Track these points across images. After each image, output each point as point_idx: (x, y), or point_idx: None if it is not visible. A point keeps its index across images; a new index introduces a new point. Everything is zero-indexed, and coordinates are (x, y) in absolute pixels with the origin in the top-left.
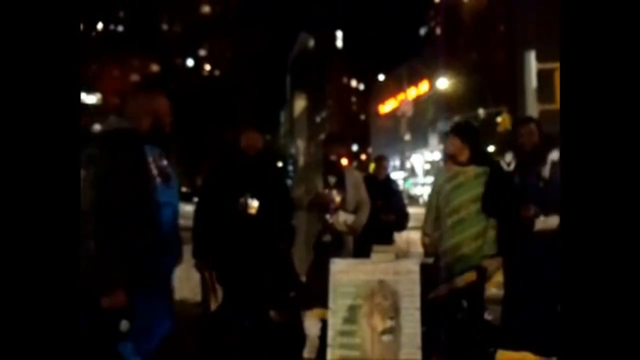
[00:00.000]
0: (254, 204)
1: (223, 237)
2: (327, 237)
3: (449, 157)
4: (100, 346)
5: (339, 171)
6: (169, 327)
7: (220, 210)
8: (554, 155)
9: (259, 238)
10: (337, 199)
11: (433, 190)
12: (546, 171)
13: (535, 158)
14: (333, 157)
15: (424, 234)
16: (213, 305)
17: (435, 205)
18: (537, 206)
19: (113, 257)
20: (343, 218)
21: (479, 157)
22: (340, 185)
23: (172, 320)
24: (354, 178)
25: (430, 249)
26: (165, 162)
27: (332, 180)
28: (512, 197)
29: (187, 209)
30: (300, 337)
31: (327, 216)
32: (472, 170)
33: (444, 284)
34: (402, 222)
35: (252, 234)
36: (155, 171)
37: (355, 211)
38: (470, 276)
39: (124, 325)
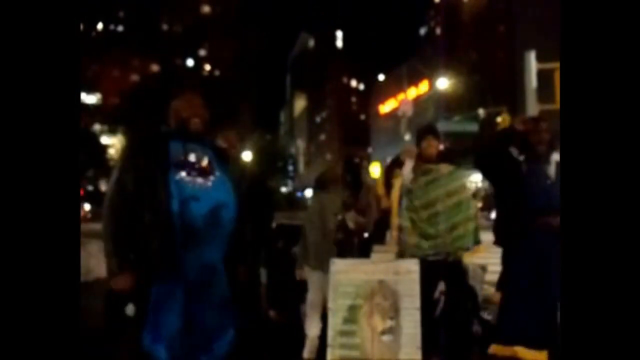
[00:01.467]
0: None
1: None
2: (339, 235)
3: (420, 157)
4: (109, 330)
5: (356, 172)
6: (229, 333)
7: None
8: (557, 156)
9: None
10: (350, 198)
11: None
12: (552, 171)
13: (543, 157)
14: (356, 159)
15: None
16: None
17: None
18: (544, 204)
19: (121, 241)
20: (355, 217)
21: (445, 156)
22: (356, 187)
23: (230, 325)
24: (367, 179)
25: (402, 238)
26: (196, 157)
27: (349, 179)
28: (519, 186)
29: None
30: (299, 337)
31: (340, 215)
32: (444, 167)
33: (440, 282)
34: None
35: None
36: (177, 165)
37: (364, 214)
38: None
39: (130, 309)
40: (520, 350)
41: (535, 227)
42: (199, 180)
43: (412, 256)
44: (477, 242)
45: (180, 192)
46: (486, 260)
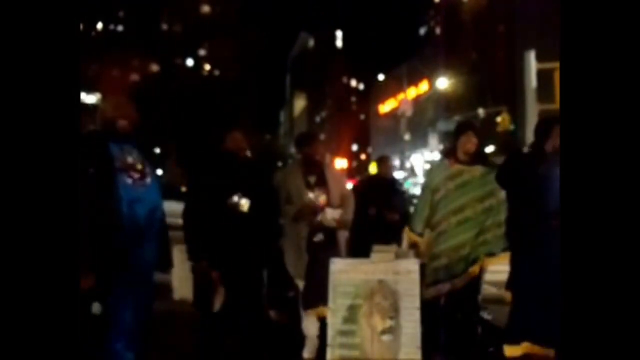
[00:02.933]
0: (245, 202)
1: (217, 237)
2: (319, 237)
3: (451, 156)
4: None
5: (318, 170)
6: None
7: (212, 210)
8: None
9: (252, 236)
10: (322, 199)
11: (428, 189)
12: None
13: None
14: (311, 157)
15: (415, 233)
16: (217, 305)
17: (431, 205)
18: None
19: (82, 243)
20: (331, 215)
21: (481, 157)
22: (322, 184)
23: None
24: (334, 174)
25: (424, 249)
26: (134, 160)
27: (312, 179)
28: (531, 178)
29: None
30: (299, 337)
31: (318, 216)
32: (477, 169)
33: (444, 284)
34: (405, 223)
35: (246, 232)
36: (120, 169)
37: (340, 206)
38: (474, 271)
39: (96, 307)
40: (531, 347)
41: (550, 229)
42: (140, 182)
43: (435, 282)
44: (505, 249)
45: (126, 195)
46: None
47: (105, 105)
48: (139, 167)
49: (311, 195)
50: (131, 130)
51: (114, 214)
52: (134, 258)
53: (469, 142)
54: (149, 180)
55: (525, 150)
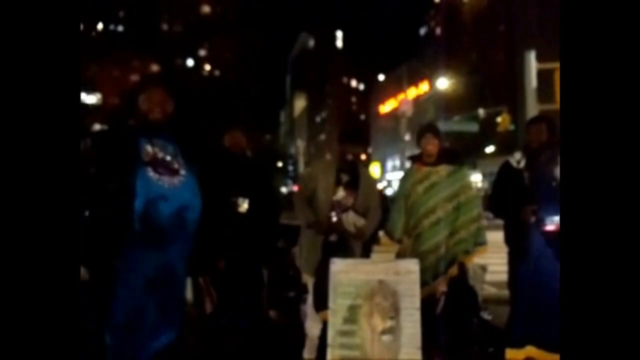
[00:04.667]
0: (244, 203)
1: (214, 236)
2: (333, 237)
3: (418, 159)
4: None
5: (354, 170)
6: (172, 334)
7: (210, 209)
8: None
9: (250, 236)
10: (349, 201)
11: (401, 195)
12: (557, 172)
13: (549, 157)
14: (349, 156)
15: (394, 240)
16: (208, 308)
17: (405, 210)
18: (550, 206)
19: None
20: (353, 219)
21: (446, 156)
22: (354, 186)
23: (174, 327)
24: (369, 180)
25: (403, 255)
26: (166, 155)
27: (345, 178)
28: (522, 195)
29: None
30: (299, 337)
31: (333, 214)
32: (443, 169)
33: (427, 286)
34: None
35: (244, 232)
36: (146, 163)
37: (364, 214)
38: (453, 271)
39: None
40: (533, 351)
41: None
42: (168, 179)
43: (426, 266)
44: (481, 243)
45: (147, 191)
46: (487, 260)
47: (141, 98)
48: (170, 162)
49: (341, 193)
50: (164, 123)
51: (121, 211)
52: (148, 258)
53: (429, 144)
54: (181, 177)
55: (516, 156)
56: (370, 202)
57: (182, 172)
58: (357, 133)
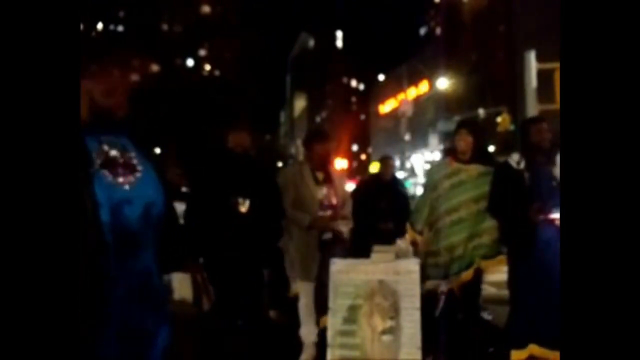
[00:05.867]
0: (245, 202)
1: (214, 236)
2: (327, 235)
3: (452, 154)
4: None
5: (325, 167)
6: (165, 336)
7: (212, 209)
8: None
9: (251, 236)
10: (332, 198)
11: (427, 187)
12: (557, 171)
13: (547, 158)
14: (322, 154)
15: (416, 232)
16: (206, 306)
17: (430, 203)
18: (551, 206)
19: None
20: (343, 228)
21: (481, 156)
22: (329, 180)
23: (165, 327)
24: (336, 172)
25: (421, 248)
26: (117, 152)
27: (320, 176)
28: (523, 196)
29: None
30: (297, 338)
31: (320, 213)
32: (475, 168)
33: (441, 281)
34: (403, 227)
35: (244, 232)
36: (100, 165)
37: (344, 202)
38: (467, 275)
39: None
40: (535, 349)
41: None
42: (126, 179)
43: (431, 277)
44: (502, 252)
45: (110, 197)
46: None
47: (90, 84)
48: (126, 159)
49: (324, 191)
50: (117, 118)
51: (88, 224)
52: (123, 267)
53: (461, 140)
54: (138, 173)
55: (515, 157)
56: (344, 191)
57: (139, 167)
58: (320, 132)
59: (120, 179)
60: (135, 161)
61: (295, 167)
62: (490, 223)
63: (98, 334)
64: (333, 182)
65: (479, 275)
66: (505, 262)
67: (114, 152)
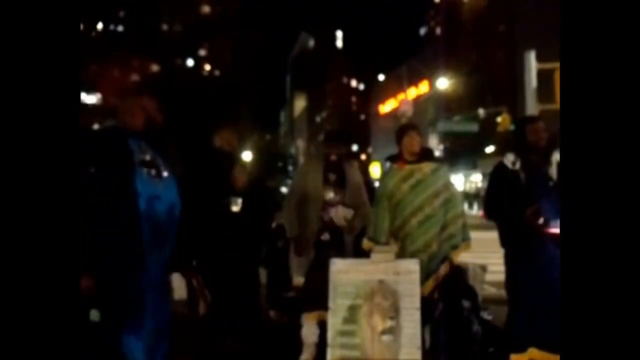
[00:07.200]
0: (237, 201)
1: (207, 236)
2: (325, 236)
3: (397, 159)
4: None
5: (340, 170)
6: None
7: (204, 210)
8: (558, 155)
9: (244, 235)
10: (338, 199)
11: (382, 196)
12: (553, 171)
13: (543, 157)
14: (333, 157)
15: (378, 243)
16: (202, 309)
17: (390, 211)
18: (547, 206)
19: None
20: (343, 213)
21: (426, 154)
22: (342, 185)
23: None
24: (355, 178)
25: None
26: (150, 156)
27: (332, 177)
28: (519, 197)
29: None
30: (299, 338)
31: (323, 213)
32: (426, 165)
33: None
34: None
35: (237, 231)
36: (139, 163)
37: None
38: (444, 269)
39: (94, 314)
40: (535, 353)
41: (543, 234)
42: (157, 179)
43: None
44: (466, 239)
45: (146, 190)
46: (486, 260)
47: (126, 103)
48: (156, 163)
49: (329, 193)
50: (146, 127)
51: (129, 211)
52: (154, 258)
53: (413, 141)
54: (164, 177)
55: (510, 157)
56: (357, 199)
57: (165, 173)
58: (340, 133)
59: (152, 177)
60: (162, 167)
61: (309, 166)
62: (452, 213)
63: (134, 318)
64: (346, 187)
65: (457, 269)
66: (470, 247)
67: (148, 156)
